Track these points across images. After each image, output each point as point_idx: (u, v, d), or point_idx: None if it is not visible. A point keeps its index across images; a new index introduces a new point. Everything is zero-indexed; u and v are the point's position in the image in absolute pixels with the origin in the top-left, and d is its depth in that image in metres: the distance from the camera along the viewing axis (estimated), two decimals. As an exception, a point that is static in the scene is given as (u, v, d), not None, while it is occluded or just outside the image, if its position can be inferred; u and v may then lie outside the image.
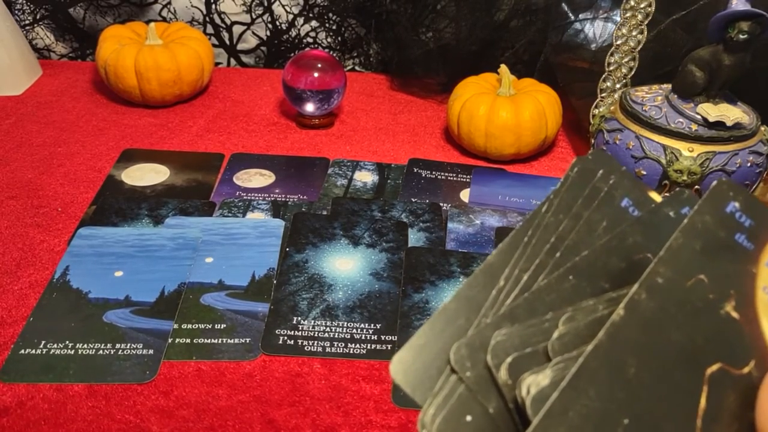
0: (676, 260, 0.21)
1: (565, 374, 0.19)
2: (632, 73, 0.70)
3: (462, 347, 0.21)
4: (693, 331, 0.20)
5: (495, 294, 0.22)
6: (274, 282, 0.56)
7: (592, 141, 0.68)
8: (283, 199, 0.67)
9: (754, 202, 0.22)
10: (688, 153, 0.59)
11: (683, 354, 0.20)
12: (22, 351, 0.49)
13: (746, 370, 0.21)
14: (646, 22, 0.67)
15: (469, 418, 0.20)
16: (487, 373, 0.20)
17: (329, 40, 0.98)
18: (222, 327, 0.52)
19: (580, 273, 0.22)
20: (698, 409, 0.19)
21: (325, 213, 0.65)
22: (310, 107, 0.79)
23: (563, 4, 0.78)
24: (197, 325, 0.52)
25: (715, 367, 0.20)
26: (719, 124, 0.58)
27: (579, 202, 0.24)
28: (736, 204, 0.22)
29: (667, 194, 0.59)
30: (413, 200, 0.68)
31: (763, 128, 0.62)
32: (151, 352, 0.49)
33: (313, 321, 0.52)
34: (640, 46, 0.68)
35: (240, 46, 0.99)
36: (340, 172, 0.73)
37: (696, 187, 0.59)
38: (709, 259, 0.21)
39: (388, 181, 0.72)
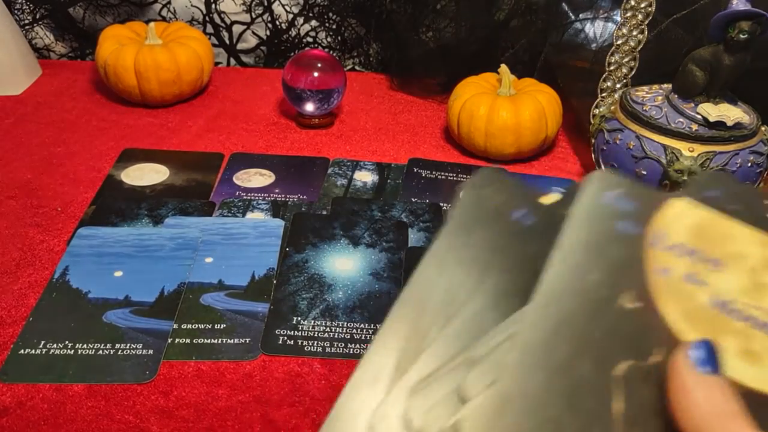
0: (563, 263, 0.20)
1: (452, 382, 0.19)
2: (632, 73, 0.70)
3: None
4: (594, 332, 0.20)
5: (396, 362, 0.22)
6: (274, 282, 0.56)
7: (593, 141, 0.68)
8: (282, 199, 0.67)
9: (632, 186, 0.22)
10: (689, 153, 0.59)
11: (589, 358, 0.19)
12: (22, 351, 0.49)
13: (653, 359, 0.20)
14: (646, 22, 0.67)
15: None
16: None
17: (329, 39, 0.98)
18: (222, 327, 0.52)
19: (495, 309, 0.21)
20: (616, 413, 0.19)
21: (325, 213, 0.65)
22: (309, 107, 0.79)
23: (563, 4, 0.78)
24: (197, 325, 0.51)
25: (623, 366, 0.19)
26: (720, 124, 0.58)
27: (472, 225, 0.23)
28: (614, 192, 0.21)
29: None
30: (413, 200, 0.68)
31: (763, 128, 0.62)
32: (150, 352, 0.49)
33: (313, 321, 0.52)
34: (640, 46, 0.68)
35: (240, 46, 0.99)
36: (340, 172, 0.73)
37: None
38: (595, 254, 0.20)
39: (388, 181, 0.72)
